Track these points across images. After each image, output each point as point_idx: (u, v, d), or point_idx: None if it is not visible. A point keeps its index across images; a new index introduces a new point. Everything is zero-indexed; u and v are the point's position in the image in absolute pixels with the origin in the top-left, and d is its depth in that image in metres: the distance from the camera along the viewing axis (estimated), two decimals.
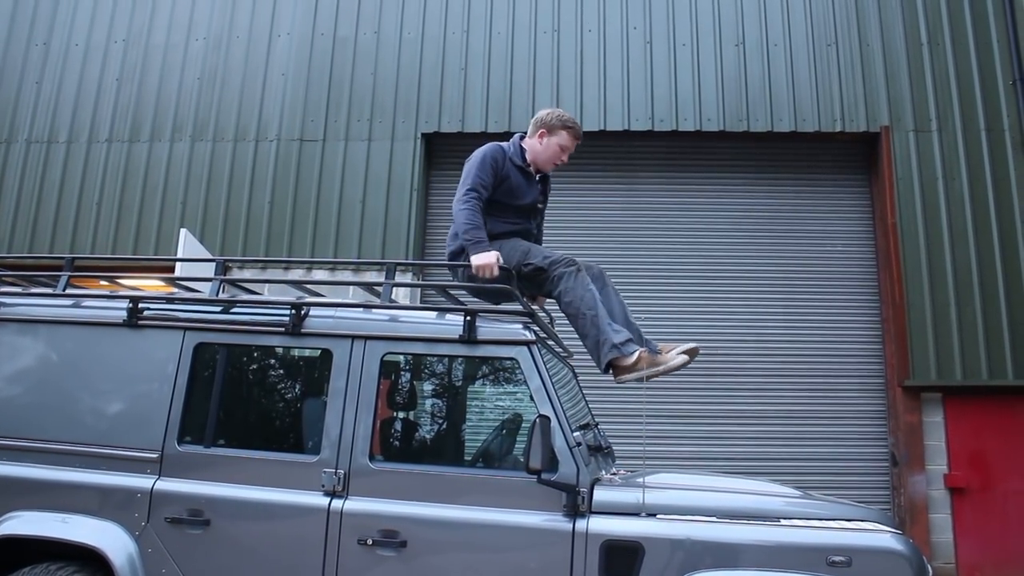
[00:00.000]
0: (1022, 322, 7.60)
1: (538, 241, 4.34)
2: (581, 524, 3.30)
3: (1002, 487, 7.36)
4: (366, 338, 3.68)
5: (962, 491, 7.37)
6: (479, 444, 4.21)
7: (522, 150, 4.22)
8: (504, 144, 4.16)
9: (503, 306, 3.94)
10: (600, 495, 3.39)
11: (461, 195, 3.99)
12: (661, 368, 3.69)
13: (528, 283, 4.06)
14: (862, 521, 3.40)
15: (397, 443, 4.15)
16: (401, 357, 3.98)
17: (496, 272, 3.83)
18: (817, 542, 3.18)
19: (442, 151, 8.73)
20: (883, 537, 3.20)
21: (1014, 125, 8.02)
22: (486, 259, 3.81)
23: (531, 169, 4.23)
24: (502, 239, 4.05)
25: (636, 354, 3.71)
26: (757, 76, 8.37)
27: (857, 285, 8.25)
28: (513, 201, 4.10)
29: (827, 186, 8.49)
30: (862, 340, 8.11)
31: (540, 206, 4.33)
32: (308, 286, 4.67)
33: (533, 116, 4.38)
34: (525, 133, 4.30)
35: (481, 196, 3.98)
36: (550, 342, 4.53)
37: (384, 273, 3.88)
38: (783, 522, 3.31)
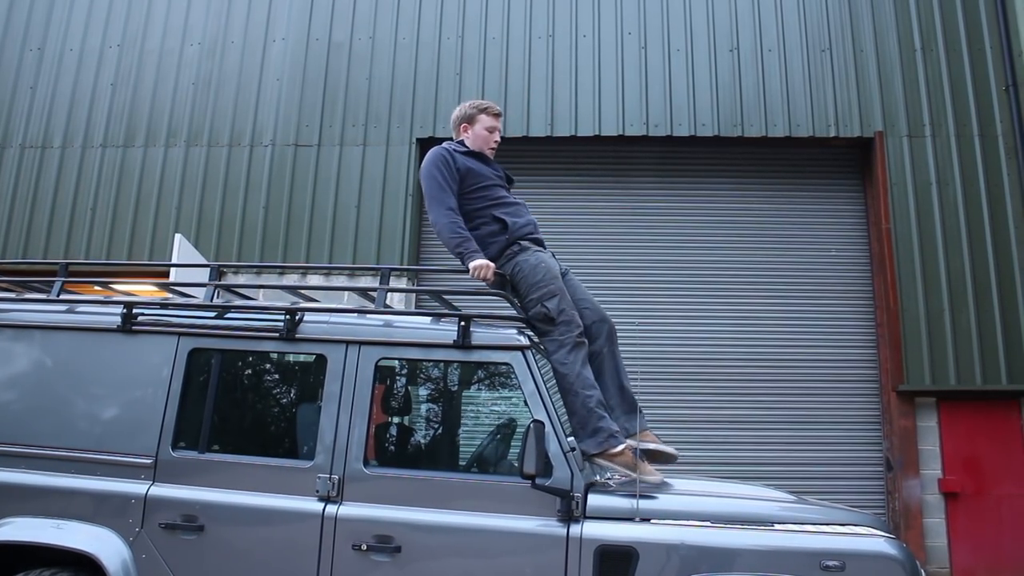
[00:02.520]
0: (1016, 327, 7.62)
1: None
2: (575, 529, 3.30)
3: (996, 492, 7.38)
4: (361, 343, 3.68)
5: (956, 496, 7.38)
6: (473, 449, 4.21)
7: (461, 143, 4.24)
8: (443, 144, 4.17)
9: (497, 312, 3.94)
10: (594, 500, 3.39)
11: (435, 214, 3.95)
12: (634, 476, 3.60)
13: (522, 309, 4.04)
14: (856, 526, 3.40)
15: (391, 448, 4.15)
16: (396, 362, 3.98)
17: (491, 276, 3.84)
18: (811, 547, 3.18)
19: None
20: (877, 542, 3.20)
21: (1007, 131, 8.05)
22: (481, 261, 3.82)
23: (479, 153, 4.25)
24: (534, 247, 3.99)
25: (622, 447, 3.65)
26: (751, 82, 8.39)
27: (851, 290, 8.27)
28: (485, 182, 4.08)
29: (821, 191, 8.51)
30: (856, 345, 8.13)
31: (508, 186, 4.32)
32: (303, 291, 4.67)
33: (452, 117, 4.39)
34: (451, 139, 4.31)
35: (452, 206, 3.95)
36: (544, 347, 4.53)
37: (379, 278, 3.89)
38: (777, 527, 3.31)
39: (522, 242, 3.98)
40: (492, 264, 3.85)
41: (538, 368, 3.56)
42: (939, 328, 7.67)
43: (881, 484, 7.80)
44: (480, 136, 4.24)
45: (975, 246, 7.83)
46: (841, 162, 8.57)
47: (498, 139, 4.30)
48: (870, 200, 8.32)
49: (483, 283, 3.92)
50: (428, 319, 3.74)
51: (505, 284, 3.92)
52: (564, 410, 3.77)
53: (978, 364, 7.57)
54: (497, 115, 4.29)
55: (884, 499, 7.75)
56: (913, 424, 7.53)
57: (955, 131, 8.11)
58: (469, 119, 4.27)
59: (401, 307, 7.59)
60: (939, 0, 8.45)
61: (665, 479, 4.06)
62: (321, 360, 3.72)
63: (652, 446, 3.80)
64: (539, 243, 4.08)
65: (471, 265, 3.84)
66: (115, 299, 3.98)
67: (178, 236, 7.13)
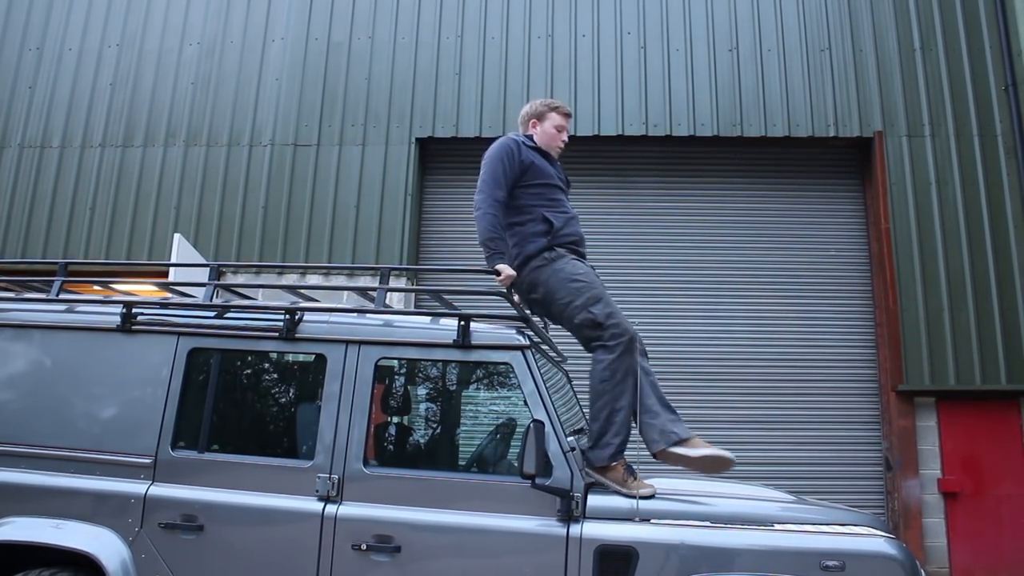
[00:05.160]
0: (1015, 326, 7.62)
1: None
2: (575, 529, 3.30)
3: (995, 491, 7.38)
4: (360, 343, 3.68)
5: (956, 495, 7.39)
6: (473, 449, 4.21)
7: (529, 138, 4.18)
8: (512, 134, 4.13)
9: (497, 311, 3.93)
10: (594, 500, 3.39)
11: (482, 199, 3.89)
12: (624, 491, 3.50)
13: (548, 315, 3.95)
14: (855, 525, 3.40)
15: (391, 448, 4.14)
16: (395, 362, 3.98)
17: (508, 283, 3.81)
18: (811, 547, 3.18)
19: (436, 156, 8.73)
20: (876, 542, 3.20)
21: (1007, 130, 8.06)
22: (509, 271, 3.76)
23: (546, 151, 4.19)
24: (572, 256, 3.92)
25: (615, 463, 3.59)
26: (751, 81, 8.39)
27: (851, 290, 8.27)
28: (546, 180, 4.00)
29: (820, 191, 8.51)
30: (856, 345, 8.13)
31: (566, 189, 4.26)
32: (302, 291, 4.66)
33: (521, 113, 4.33)
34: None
35: (500, 199, 3.88)
36: (544, 347, 4.53)
37: (378, 278, 3.88)
38: (777, 527, 3.31)
39: (560, 248, 3.88)
40: (514, 273, 3.79)
41: (538, 368, 3.56)
42: (938, 328, 7.68)
43: (880, 484, 7.80)
44: (548, 134, 4.18)
45: (974, 246, 7.83)
46: (840, 162, 8.57)
47: (566, 139, 4.24)
48: (869, 200, 8.32)
49: (496, 282, 3.87)
50: (428, 319, 3.74)
51: (523, 290, 3.91)
52: (564, 409, 3.76)
53: (977, 364, 7.57)
54: (567, 115, 4.24)
55: (883, 499, 7.75)
56: (912, 424, 7.54)
57: (954, 131, 8.12)
58: (539, 116, 4.22)
59: (401, 307, 7.58)
60: (938, 0, 8.46)
61: (664, 480, 4.06)
62: (321, 360, 3.72)
63: (707, 452, 3.55)
64: (581, 256, 3.99)
65: (498, 267, 3.77)
66: (114, 299, 3.98)
67: (177, 236, 7.13)
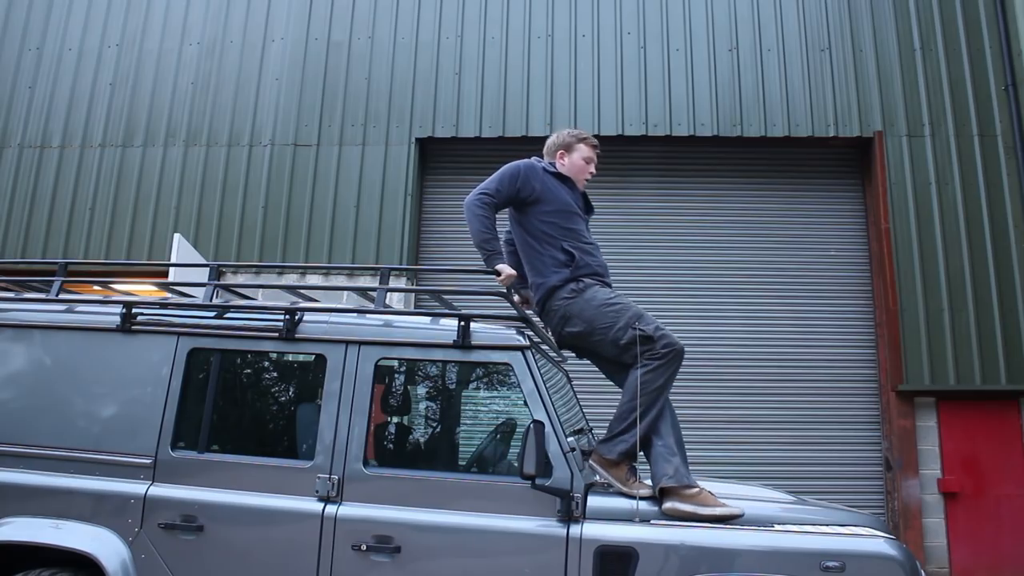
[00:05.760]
0: (1015, 327, 7.62)
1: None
2: (575, 530, 3.30)
3: (995, 491, 7.38)
4: (360, 343, 3.68)
5: (956, 496, 7.39)
6: (473, 449, 4.21)
7: (552, 165, 4.13)
8: (536, 159, 4.09)
9: (496, 312, 3.93)
10: (594, 501, 3.39)
11: (475, 195, 3.89)
12: (623, 488, 3.50)
13: (587, 347, 3.86)
14: (855, 526, 3.40)
15: (391, 448, 4.14)
16: (395, 362, 3.98)
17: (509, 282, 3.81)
18: (811, 547, 3.18)
19: (436, 156, 8.73)
20: (876, 542, 3.20)
21: (1006, 130, 8.06)
22: (509, 271, 3.76)
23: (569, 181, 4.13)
24: (600, 287, 3.86)
25: (623, 463, 3.58)
26: (751, 81, 8.39)
27: (851, 290, 8.27)
28: (566, 208, 3.94)
29: (820, 191, 8.51)
30: (856, 345, 8.13)
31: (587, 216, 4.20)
32: (302, 291, 4.66)
33: (548, 142, 4.24)
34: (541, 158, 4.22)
35: (494, 203, 3.87)
36: (544, 347, 4.53)
37: (378, 278, 3.88)
38: (777, 527, 3.31)
39: (585, 279, 3.84)
40: (514, 273, 3.79)
41: (538, 368, 3.56)
42: (938, 328, 7.68)
43: (880, 484, 7.80)
44: (576, 166, 4.14)
45: (974, 246, 7.83)
46: (840, 162, 8.58)
47: (593, 171, 4.20)
48: (869, 200, 8.32)
49: (495, 282, 3.85)
50: (428, 319, 3.74)
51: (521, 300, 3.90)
52: (564, 410, 3.76)
53: (977, 364, 7.57)
54: (595, 146, 4.19)
55: (883, 499, 7.75)
56: (912, 424, 7.54)
57: (954, 131, 8.12)
58: (567, 147, 4.16)
59: (401, 307, 7.59)
60: (938, 0, 8.46)
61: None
62: (321, 360, 3.72)
63: (717, 511, 3.40)
64: (607, 286, 3.94)
65: (498, 267, 3.77)
66: (114, 299, 3.98)
67: (177, 236, 7.12)
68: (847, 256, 8.35)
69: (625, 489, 3.49)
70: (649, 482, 3.66)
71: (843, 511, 3.55)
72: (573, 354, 4.06)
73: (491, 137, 8.39)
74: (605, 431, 3.70)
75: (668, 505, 3.39)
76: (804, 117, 8.26)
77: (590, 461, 3.62)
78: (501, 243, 4.05)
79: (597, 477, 3.69)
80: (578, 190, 4.13)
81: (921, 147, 8.11)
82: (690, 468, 3.75)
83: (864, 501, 7.71)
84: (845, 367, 8.09)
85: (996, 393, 7.50)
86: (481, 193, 3.89)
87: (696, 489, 3.43)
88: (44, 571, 3.52)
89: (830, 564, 3.13)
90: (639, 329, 3.66)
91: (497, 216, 3.94)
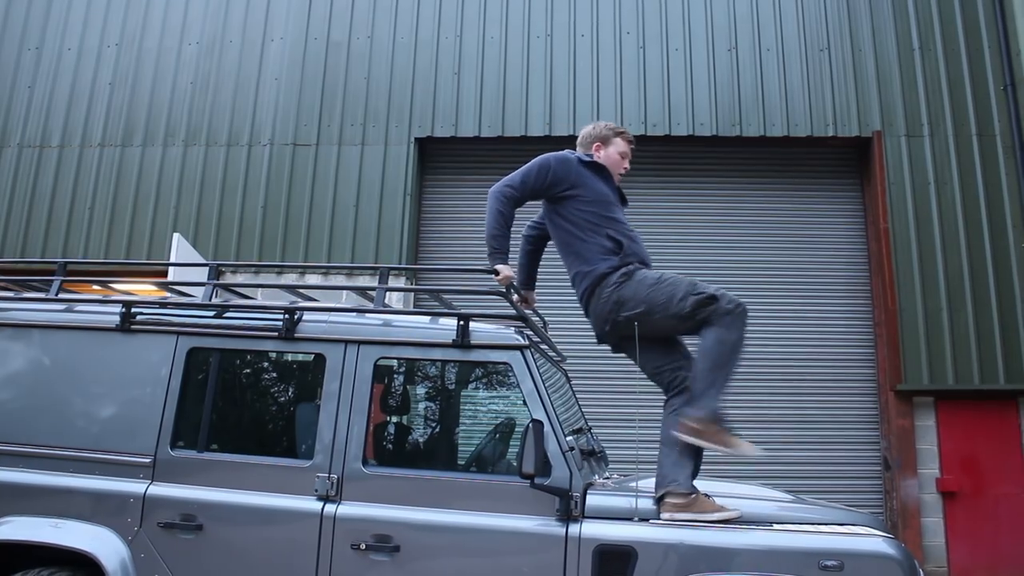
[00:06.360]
0: (1013, 326, 7.63)
1: None
2: (574, 529, 3.30)
3: (994, 491, 7.39)
4: (359, 342, 3.68)
5: (954, 495, 7.39)
6: (472, 449, 4.21)
7: (589, 155, 4.08)
8: (569, 151, 4.05)
9: (495, 311, 3.93)
10: (593, 500, 3.39)
11: (499, 187, 3.81)
12: (728, 450, 3.46)
13: (647, 328, 3.77)
14: (854, 525, 3.40)
15: (390, 448, 4.15)
16: (394, 361, 3.98)
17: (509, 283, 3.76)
18: (809, 546, 3.18)
19: (435, 156, 8.74)
20: (875, 541, 3.20)
21: (1005, 130, 8.06)
22: (509, 271, 3.71)
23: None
24: (641, 264, 3.82)
25: (713, 426, 3.50)
26: (750, 81, 8.40)
27: (850, 290, 8.28)
28: (604, 198, 3.90)
29: (819, 191, 8.52)
30: (855, 344, 8.14)
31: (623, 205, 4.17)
32: (301, 290, 4.66)
33: (584, 132, 4.21)
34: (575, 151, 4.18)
35: (516, 197, 3.80)
36: (543, 346, 4.53)
37: (377, 277, 3.88)
38: (775, 526, 3.31)
39: (634, 265, 3.80)
40: (511, 274, 3.73)
41: (537, 367, 3.56)
42: (937, 327, 7.68)
43: (879, 483, 7.81)
44: (612, 159, 4.10)
45: (973, 245, 7.84)
46: (839, 162, 8.58)
47: (628, 166, 4.16)
48: (868, 199, 8.33)
49: (495, 282, 3.81)
50: (427, 318, 3.74)
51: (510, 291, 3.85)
52: (563, 409, 3.76)
53: (976, 363, 7.58)
54: (631, 142, 4.17)
55: (882, 498, 7.76)
56: (911, 423, 7.54)
57: (953, 131, 8.12)
58: (604, 140, 4.12)
59: (400, 306, 7.59)
60: (937, 0, 8.46)
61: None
62: (320, 359, 3.72)
63: (719, 515, 3.43)
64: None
65: (497, 267, 3.71)
66: (114, 298, 3.98)
67: (176, 235, 7.13)
68: (846, 256, 8.36)
69: (724, 448, 3.41)
70: (645, 480, 3.65)
71: (842, 510, 3.55)
72: (611, 349, 3.97)
73: (490, 137, 8.39)
74: (688, 395, 3.59)
75: (667, 515, 3.37)
76: (803, 117, 8.27)
77: (676, 433, 3.51)
78: (522, 237, 4.00)
79: (607, 474, 3.66)
80: (613, 182, 4.08)
81: (920, 147, 8.11)
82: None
83: (863, 500, 7.72)
84: (844, 366, 8.10)
85: (995, 393, 7.51)
86: (505, 186, 3.81)
87: (694, 496, 3.42)
88: (44, 570, 3.53)
89: (828, 563, 3.13)
90: (698, 294, 3.61)
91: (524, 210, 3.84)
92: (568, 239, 3.87)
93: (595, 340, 4.02)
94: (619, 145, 4.12)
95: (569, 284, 7.18)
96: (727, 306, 3.60)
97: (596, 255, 3.80)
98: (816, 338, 8.16)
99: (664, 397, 3.76)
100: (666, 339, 3.83)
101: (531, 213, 7.44)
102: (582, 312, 5.87)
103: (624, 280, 3.73)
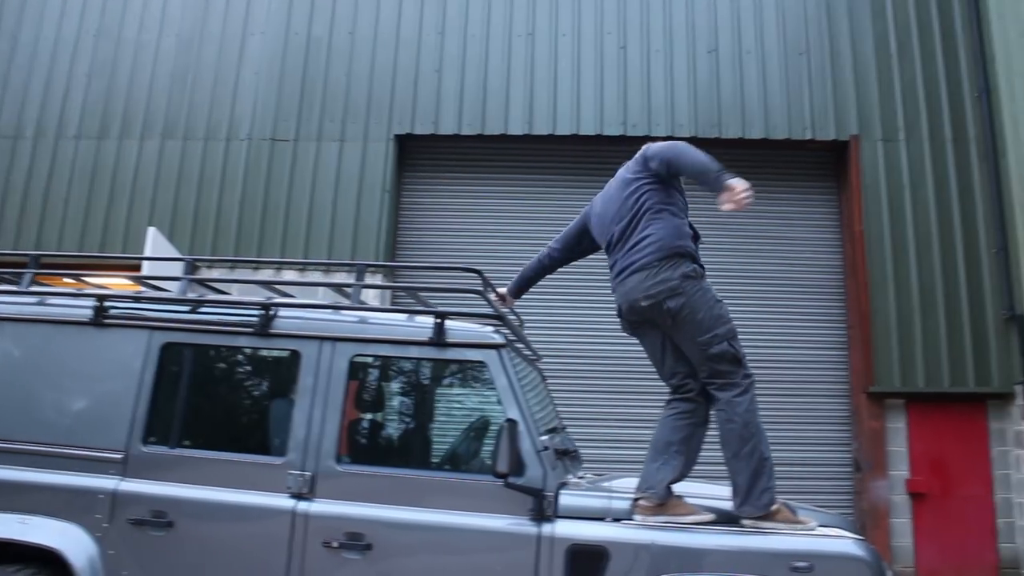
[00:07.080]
0: (984, 330, 7.72)
1: None
2: (547, 528, 3.31)
3: (962, 492, 7.48)
4: (335, 339, 3.67)
5: (923, 496, 7.48)
6: (447, 447, 4.21)
7: None
8: None
9: (472, 309, 3.92)
10: (566, 499, 3.40)
11: (684, 146, 3.70)
12: (797, 531, 3.37)
13: (670, 329, 3.70)
14: (824, 526, 3.44)
15: (364, 445, 4.14)
16: (370, 359, 3.96)
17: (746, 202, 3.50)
18: (780, 548, 3.22)
19: (414, 153, 8.72)
20: (844, 543, 3.24)
21: (979, 136, 8.16)
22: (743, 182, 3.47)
23: None
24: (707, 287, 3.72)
25: (778, 505, 3.47)
26: (730, 83, 8.44)
27: (824, 292, 8.35)
28: (685, 197, 3.92)
29: (796, 194, 8.58)
30: (828, 346, 8.21)
31: None
32: (277, 287, 4.64)
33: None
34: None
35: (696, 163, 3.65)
36: (519, 345, 4.54)
37: (354, 274, 3.87)
38: (746, 527, 3.34)
39: (698, 267, 3.72)
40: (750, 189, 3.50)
41: (512, 367, 3.57)
42: (909, 330, 7.76)
43: (849, 485, 7.88)
44: None
45: (946, 249, 7.93)
46: (816, 165, 8.65)
47: None
48: (844, 203, 8.40)
49: (472, 280, 3.80)
50: (403, 316, 3.74)
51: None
52: (537, 408, 3.77)
53: (946, 366, 7.66)
54: None
55: (852, 499, 7.83)
56: (882, 425, 7.62)
57: (929, 136, 8.21)
58: None
59: (377, 304, 7.57)
60: (915, 6, 8.54)
61: (636, 479, 4.08)
62: (295, 356, 3.71)
63: (696, 518, 3.44)
64: None
65: (732, 182, 3.44)
66: (87, 292, 3.94)
67: (152, 229, 7.07)
68: (821, 258, 8.42)
69: (801, 530, 3.36)
70: (622, 479, 3.66)
71: (812, 511, 3.59)
72: (629, 328, 3.90)
73: (470, 135, 8.38)
74: (731, 494, 3.53)
75: (640, 517, 3.38)
76: (782, 119, 8.32)
77: (760, 525, 3.39)
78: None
79: (581, 474, 3.65)
80: None
81: (896, 151, 8.19)
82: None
83: (833, 501, 7.79)
84: (817, 369, 8.17)
85: (964, 396, 7.60)
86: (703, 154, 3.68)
87: (668, 499, 3.44)
88: (9, 567, 3.49)
89: (799, 564, 3.16)
90: (732, 346, 3.60)
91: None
92: (666, 204, 3.77)
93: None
94: None
95: (547, 282, 7.17)
96: (743, 381, 3.65)
97: (682, 232, 3.72)
98: (789, 340, 8.23)
99: (657, 397, 3.77)
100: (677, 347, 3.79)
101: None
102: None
103: (694, 278, 3.64)
